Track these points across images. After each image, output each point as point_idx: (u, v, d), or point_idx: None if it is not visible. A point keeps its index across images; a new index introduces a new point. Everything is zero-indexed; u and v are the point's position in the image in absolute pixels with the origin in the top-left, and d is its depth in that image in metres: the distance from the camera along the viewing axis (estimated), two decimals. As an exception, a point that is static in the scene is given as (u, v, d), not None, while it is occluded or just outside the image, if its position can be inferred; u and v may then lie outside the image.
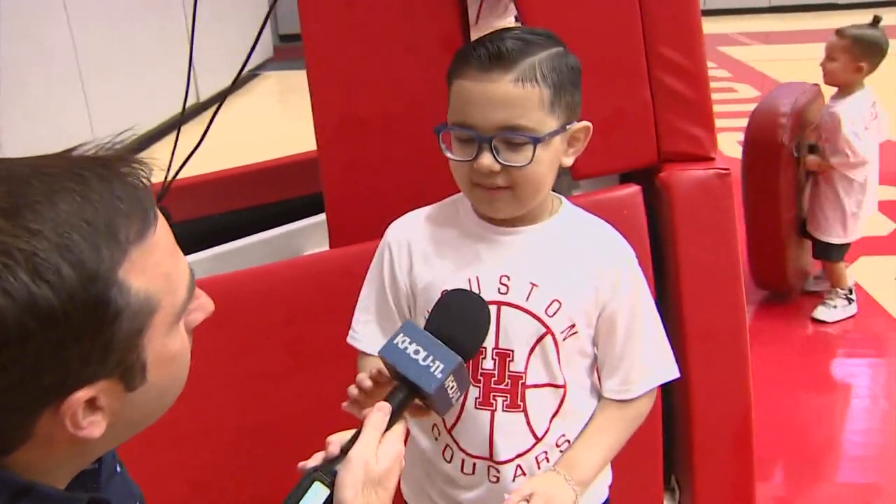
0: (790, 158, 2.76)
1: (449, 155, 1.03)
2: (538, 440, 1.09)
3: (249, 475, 1.52)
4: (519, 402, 1.07)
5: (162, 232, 0.67)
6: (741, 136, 2.91)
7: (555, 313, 1.05)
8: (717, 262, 1.51)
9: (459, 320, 0.92)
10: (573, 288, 1.06)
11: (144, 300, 0.63)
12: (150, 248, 0.64)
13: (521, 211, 1.05)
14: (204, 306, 0.74)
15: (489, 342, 1.06)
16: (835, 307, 2.85)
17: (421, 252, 1.10)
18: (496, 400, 1.07)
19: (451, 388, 0.87)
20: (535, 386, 1.07)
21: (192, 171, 2.31)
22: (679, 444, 1.65)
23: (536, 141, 0.98)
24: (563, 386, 1.08)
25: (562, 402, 1.09)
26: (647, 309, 1.11)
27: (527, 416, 1.08)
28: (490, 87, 0.97)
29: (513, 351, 1.06)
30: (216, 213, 2.38)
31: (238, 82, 6.13)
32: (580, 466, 1.07)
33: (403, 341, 0.87)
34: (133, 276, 0.62)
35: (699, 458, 1.61)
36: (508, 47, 0.97)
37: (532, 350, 1.06)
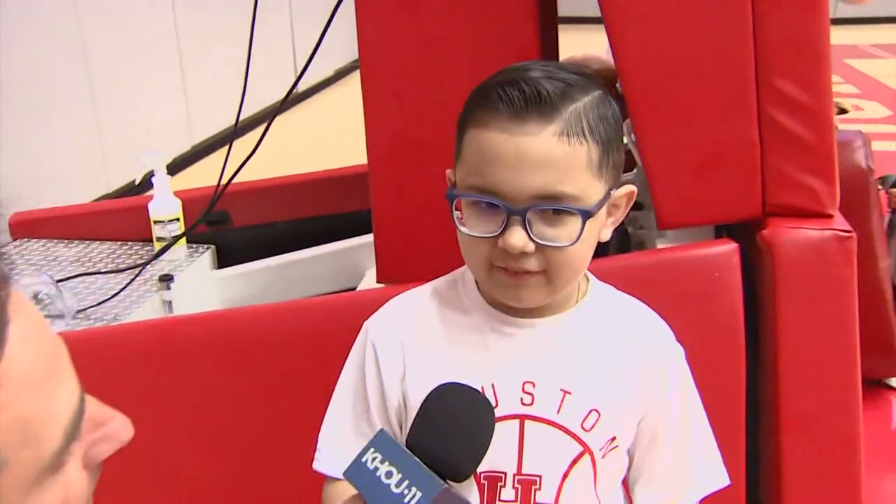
0: (876, 192, 2.25)
1: (463, 230, 0.80)
2: None
3: None
4: None
5: (24, 357, 0.48)
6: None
7: (593, 426, 0.84)
8: (828, 343, 1.25)
9: (450, 429, 0.72)
10: (614, 392, 0.85)
11: None
12: None
13: (550, 300, 0.83)
14: (114, 435, 0.56)
15: (510, 467, 0.84)
16: None
17: (416, 354, 0.87)
18: None
19: None
20: None
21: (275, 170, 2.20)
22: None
23: (587, 215, 0.76)
24: None
25: None
26: (695, 411, 0.91)
27: None
28: (526, 142, 0.75)
29: (540, 477, 0.84)
30: (281, 220, 2.25)
31: (341, 72, 6.05)
32: None
33: (374, 459, 0.68)
34: None
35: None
36: (550, 89, 0.76)
37: (566, 475, 0.84)
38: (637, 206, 1.66)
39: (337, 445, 0.89)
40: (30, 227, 2.11)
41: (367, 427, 0.89)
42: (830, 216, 1.25)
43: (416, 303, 0.90)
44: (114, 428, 0.57)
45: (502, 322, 0.85)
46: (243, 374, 1.30)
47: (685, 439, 0.89)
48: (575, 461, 0.84)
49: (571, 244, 0.77)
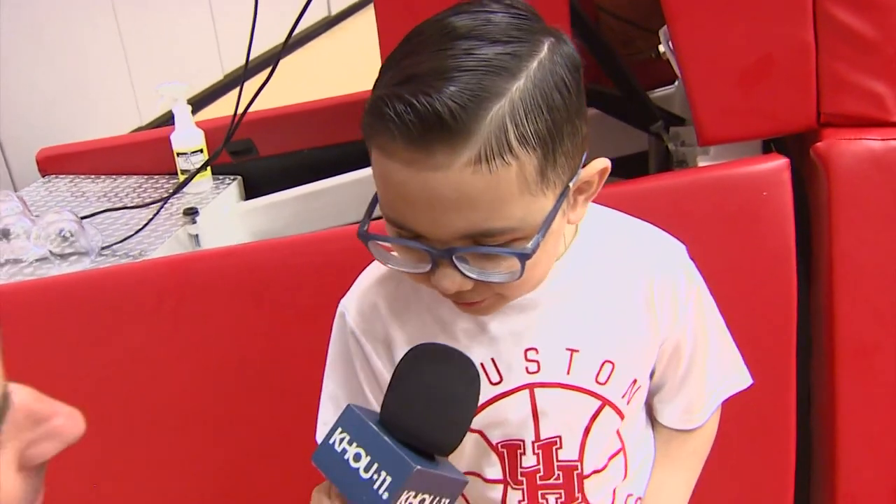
0: None
1: (390, 265, 0.69)
2: None
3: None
4: (576, 495, 0.81)
5: None
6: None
7: (608, 378, 0.76)
8: (890, 268, 1.13)
9: (426, 398, 0.63)
10: (625, 338, 0.77)
11: None
12: None
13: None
14: (59, 431, 0.50)
15: (528, 435, 0.78)
16: None
17: (404, 339, 0.78)
18: (547, 499, 0.80)
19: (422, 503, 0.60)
20: (596, 472, 0.80)
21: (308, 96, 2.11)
22: (818, 495, 1.31)
23: (524, 257, 0.63)
24: (623, 449, 0.82)
25: (626, 467, 0.83)
26: (711, 319, 0.84)
27: (587, 503, 0.82)
28: (436, 180, 0.60)
29: (560, 437, 0.78)
30: (307, 147, 2.17)
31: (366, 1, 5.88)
32: None
33: (342, 440, 0.61)
34: None
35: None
36: (452, 106, 0.58)
37: (588, 431, 0.78)
38: (679, 121, 1.54)
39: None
40: (57, 162, 2.08)
41: (365, 402, 0.82)
42: (895, 124, 1.12)
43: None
44: (58, 424, 0.50)
45: None
46: (258, 308, 1.25)
47: (703, 350, 0.83)
48: (595, 416, 0.78)
49: (515, 279, 0.65)
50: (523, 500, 0.80)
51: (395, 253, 0.70)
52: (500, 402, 0.77)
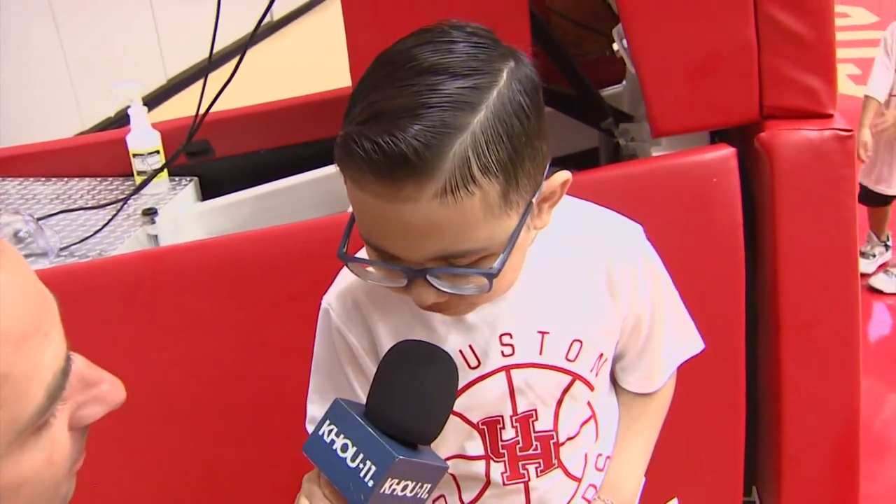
0: None
1: (368, 281, 0.74)
2: (580, 480, 0.90)
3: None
4: (553, 461, 0.87)
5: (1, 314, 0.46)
6: (853, 69, 2.51)
7: (577, 355, 0.83)
8: (828, 247, 1.23)
9: (407, 392, 0.67)
10: (591, 317, 0.83)
11: None
12: None
13: None
14: (104, 397, 0.55)
15: (505, 411, 0.84)
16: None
17: (387, 331, 0.83)
18: (527, 469, 0.87)
19: (405, 490, 0.65)
20: (570, 438, 0.87)
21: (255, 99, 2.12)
22: (764, 453, 1.41)
23: (491, 276, 0.69)
24: (594, 416, 0.90)
25: (596, 431, 0.91)
26: (667, 291, 0.91)
27: (564, 469, 0.89)
28: (406, 211, 0.64)
29: (536, 410, 0.85)
30: (263, 148, 2.19)
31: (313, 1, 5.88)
32: (624, 485, 0.94)
33: (330, 432, 0.65)
34: None
35: (790, 470, 1.36)
36: (416, 146, 0.62)
37: (560, 402, 0.85)
38: (628, 118, 1.63)
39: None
40: (5, 165, 2.04)
41: (352, 394, 0.86)
42: (830, 116, 1.22)
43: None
44: (104, 390, 0.55)
45: None
46: (233, 301, 1.27)
47: (660, 321, 0.90)
48: (567, 389, 0.85)
49: (484, 292, 0.71)
50: (505, 471, 0.86)
51: (371, 270, 0.73)
52: (478, 385, 0.83)
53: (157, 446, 1.31)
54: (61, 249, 1.67)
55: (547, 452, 0.86)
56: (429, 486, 0.68)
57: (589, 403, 0.89)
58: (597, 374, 0.87)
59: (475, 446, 0.86)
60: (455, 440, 0.85)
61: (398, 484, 0.65)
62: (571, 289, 0.83)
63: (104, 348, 1.28)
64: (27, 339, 0.47)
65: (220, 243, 1.36)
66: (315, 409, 0.88)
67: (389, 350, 0.71)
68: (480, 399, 0.84)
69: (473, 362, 0.82)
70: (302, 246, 1.29)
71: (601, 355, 0.86)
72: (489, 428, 0.85)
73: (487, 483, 0.87)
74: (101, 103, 2.90)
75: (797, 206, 1.22)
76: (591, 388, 0.87)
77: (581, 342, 0.83)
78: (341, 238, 0.73)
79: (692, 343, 0.96)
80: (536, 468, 0.87)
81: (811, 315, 1.27)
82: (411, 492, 0.66)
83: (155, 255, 1.36)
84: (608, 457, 0.94)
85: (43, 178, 2.02)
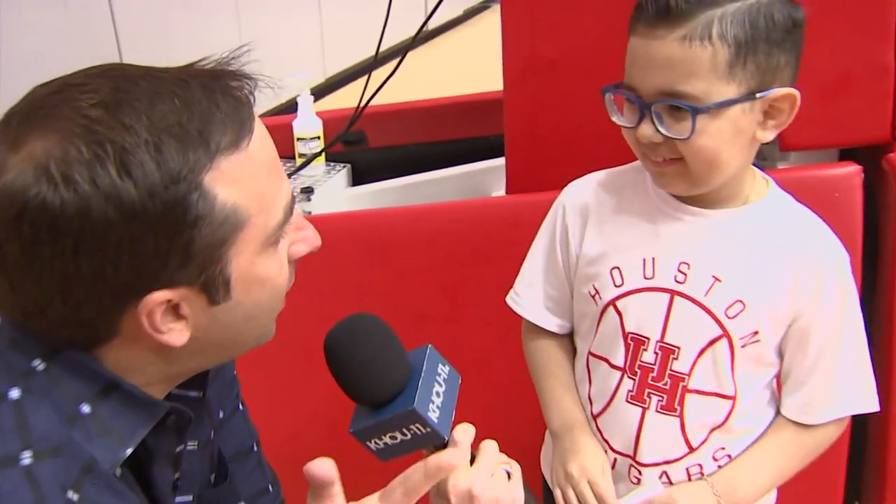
0: None
1: (615, 119, 0.92)
2: (692, 450, 0.97)
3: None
4: (676, 406, 0.95)
5: (261, 148, 0.64)
6: None
7: (736, 315, 0.92)
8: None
9: (364, 370, 0.73)
10: (763, 289, 0.91)
11: (231, 212, 0.62)
12: (242, 161, 0.62)
13: (699, 189, 0.91)
14: (309, 239, 0.72)
15: (654, 333, 0.95)
16: None
17: (597, 219, 1.00)
18: (650, 398, 0.96)
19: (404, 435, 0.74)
20: (699, 392, 0.94)
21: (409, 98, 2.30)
22: (870, 468, 1.42)
23: (696, 111, 0.83)
24: (733, 397, 0.95)
25: (729, 414, 0.95)
26: (851, 326, 0.94)
27: (682, 422, 0.96)
28: (653, 46, 0.85)
29: (679, 348, 0.94)
30: (413, 142, 2.35)
31: (470, 12, 6.09)
32: (740, 487, 0.95)
33: (372, 441, 0.75)
34: (220, 185, 0.61)
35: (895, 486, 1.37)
36: (679, 2, 0.83)
37: (702, 352, 0.93)
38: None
39: (529, 286, 1.05)
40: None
41: (554, 274, 1.03)
42: (961, 141, 1.25)
43: (605, 179, 1.02)
44: (309, 234, 0.72)
45: (673, 207, 0.95)
46: (380, 269, 1.41)
47: (835, 350, 0.93)
48: (713, 342, 0.92)
49: (688, 137, 0.84)
50: (632, 390, 0.96)
51: (616, 107, 0.92)
52: (644, 294, 0.95)
53: (304, 390, 1.46)
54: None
55: (674, 392, 0.94)
56: (415, 427, 0.73)
57: (734, 380, 0.93)
58: (744, 346, 0.92)
59: (618, 357, 0.96)
60: (608, 342, 0.97)
61: (380, 440, 0.74)
62: (757, 258, 0.92)
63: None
64: (274, 170, 0.66)
65: (369, 215, 1.51)
66: (525, 276, 1.06)
67: (324, 351, 0.75)
68: (640, 308, 0.95)
69: (649, 273, 0.94)
70: (442, 224, 1.42)
71: (756, 332, 0.92)
72: (635, 344, 0.95)
73: (613, 396, 0.97)
74: (266, 93, 3.14)
75: (921, 227, 1.25)
76: (733, 357, 0.91)
77: (744, 305, 0.91)
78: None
79: (867, 399, 0.96)
80: (658, 402, 0.95)
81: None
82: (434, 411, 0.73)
83: (313, 221, 1.53)
84: (729, 455, 0.97)
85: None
